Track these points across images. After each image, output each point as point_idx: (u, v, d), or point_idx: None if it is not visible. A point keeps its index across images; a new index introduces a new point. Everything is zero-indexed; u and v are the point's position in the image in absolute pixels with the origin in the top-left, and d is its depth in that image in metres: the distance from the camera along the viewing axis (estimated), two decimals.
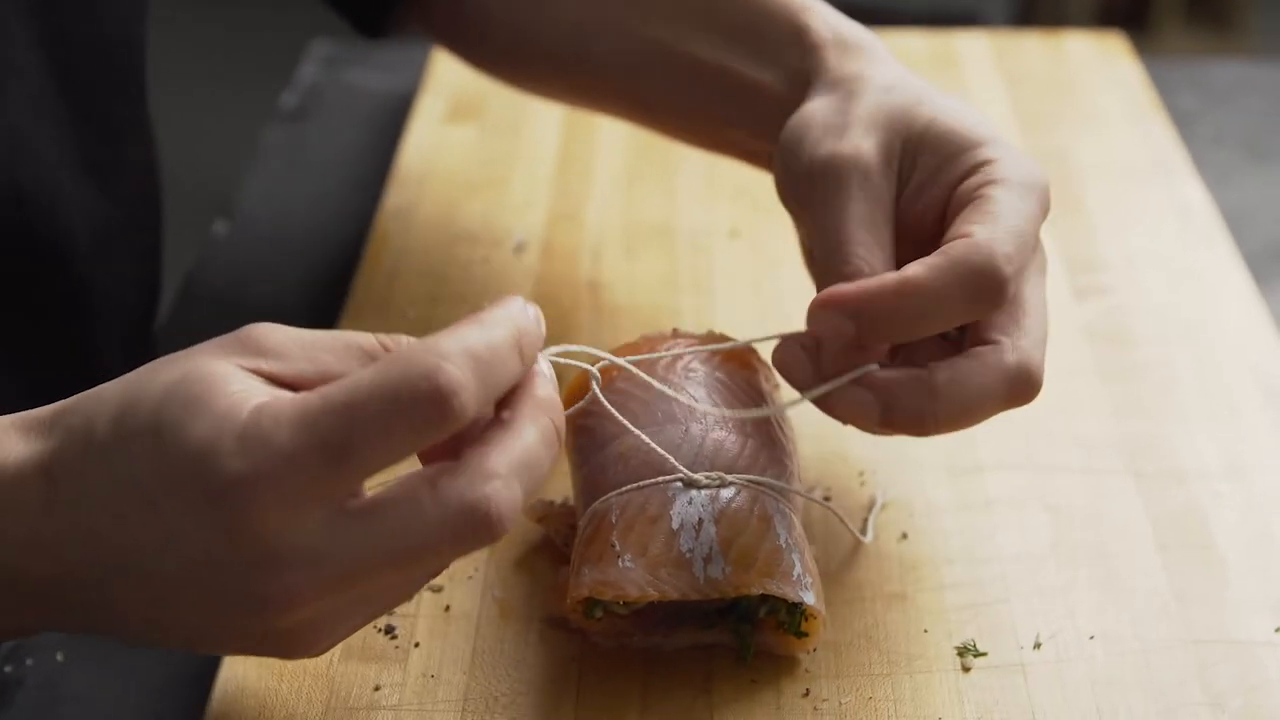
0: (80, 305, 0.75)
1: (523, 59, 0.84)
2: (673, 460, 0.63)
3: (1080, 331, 0.83)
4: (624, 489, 0.63)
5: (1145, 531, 0.70)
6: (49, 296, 0.75)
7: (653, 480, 0.63)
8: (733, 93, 0.74)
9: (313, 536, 0.50)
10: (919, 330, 0.61)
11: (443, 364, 0.49)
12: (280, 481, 0.49)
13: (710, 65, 0.74)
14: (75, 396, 0.55)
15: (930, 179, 0.65)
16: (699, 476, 0.63)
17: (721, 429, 0.65)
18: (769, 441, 0.65)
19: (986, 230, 0.61)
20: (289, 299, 0.91)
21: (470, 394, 0.49)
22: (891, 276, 0.60)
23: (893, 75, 0.69)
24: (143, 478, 0.51)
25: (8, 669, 0.67)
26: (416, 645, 0.64)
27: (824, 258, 0.64)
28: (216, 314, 0.89)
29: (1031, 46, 1.12)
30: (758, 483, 0.63)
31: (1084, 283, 0.87)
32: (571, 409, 0.63)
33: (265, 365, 0.52)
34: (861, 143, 0.65)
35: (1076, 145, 1.00)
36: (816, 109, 0.68)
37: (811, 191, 0.66)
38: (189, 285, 0.92)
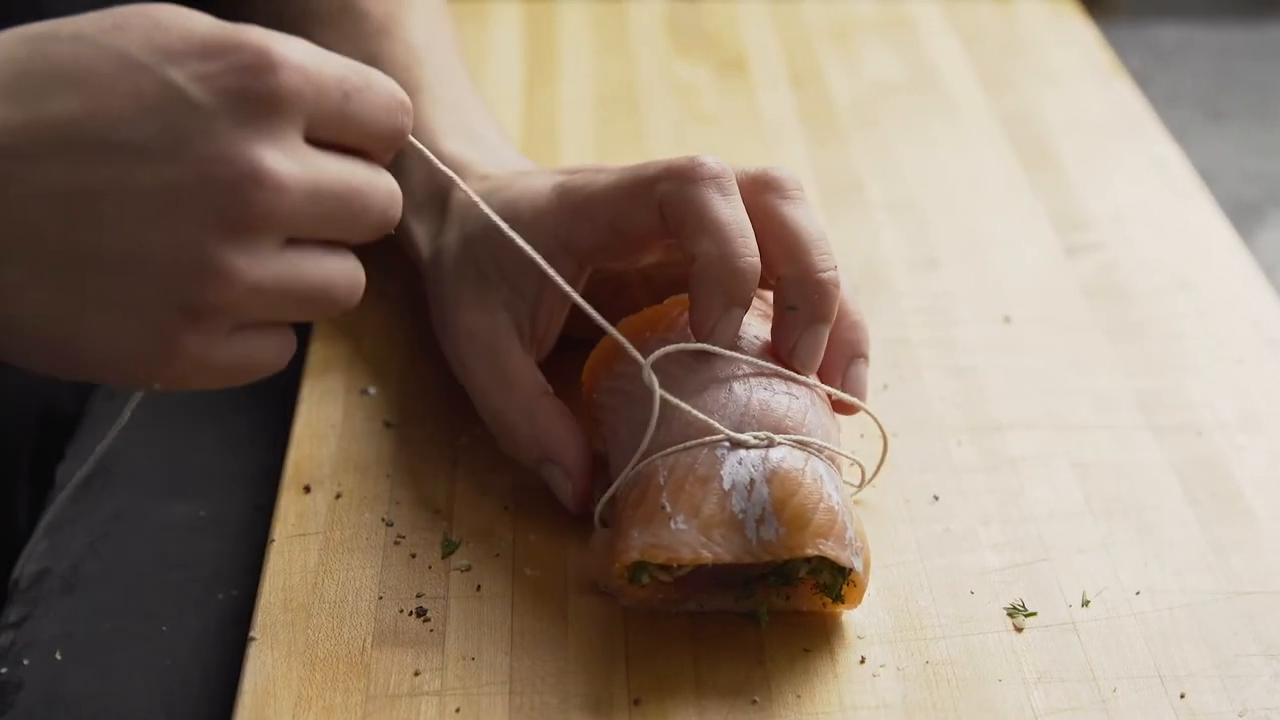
0: None
1: None
2: (715, 423, 0.61)
3: (1078, 289, 0.82)
4: (669, 450, 0.61)
5: (1173, 485, 0.70)
6: None
7: (699, 440, 0.61)
8: None
9: (292, 162, 0.51)
10: None
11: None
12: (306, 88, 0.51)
13: None
14: None
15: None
16: (747, 436, 0.61)
17: (766, 390, 0.62)
18: (814, 402, 0.63)
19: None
20: None
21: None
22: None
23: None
24: (134, 48, 0.50)
25: (4, 670, 0.63)
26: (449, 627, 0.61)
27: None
28: None
29: (984, 9, 1.11)
30: (805, 443, 0.61)
31: (1074, 240, 0.86)
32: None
33: None
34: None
35: (1043, 105, 0.99)
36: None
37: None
38: None
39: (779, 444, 0.61)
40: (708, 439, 0.60)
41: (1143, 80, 1.07)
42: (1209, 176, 0.96)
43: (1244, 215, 0.95)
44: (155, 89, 0.50)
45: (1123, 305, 0.81)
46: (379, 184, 0.55)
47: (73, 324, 0.51)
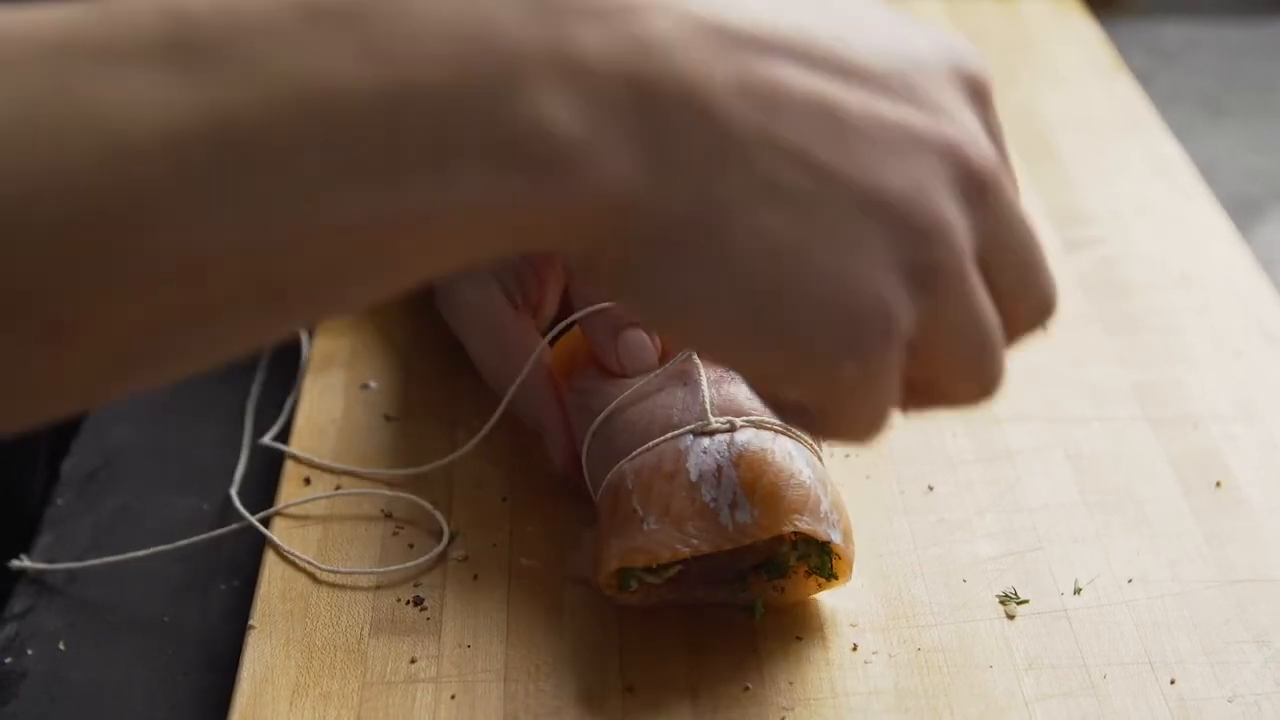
0: None
1: None
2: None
3: (1076, 283, 0.82)
4: (634, 453, 0.61)
5: (1168, 476, 0.70)
6: None
7: (662, 437, 0.61)
8: None
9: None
10: None
11: None
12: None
13: None
14: None
15: None
16: (709, 421, 0.61)
17: (728, 383, 0.63)
18: None
19: None
20: None
21: None
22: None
23: None
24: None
25: (8, 660, 0.64)
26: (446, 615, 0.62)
27: None
28: None
29: (987, 7, 1.12)
30: (769, 424, 0.61)
31: (1072, 235, 0.86)
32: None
33: None
34: None
35: (1043, 102, 1.00)
36: None
37: None
38: None
39: (742, 427, 0.61)
40: (670, 434, 0.61)
41: (1146, 78, 1.08)
42: (1211, 173, 0.97)
43: (1245, 211, 0.96)
44: (891, 31, 0.44)
45: (1121, 299, 0.82)
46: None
47: (794, 258, 0.42)
